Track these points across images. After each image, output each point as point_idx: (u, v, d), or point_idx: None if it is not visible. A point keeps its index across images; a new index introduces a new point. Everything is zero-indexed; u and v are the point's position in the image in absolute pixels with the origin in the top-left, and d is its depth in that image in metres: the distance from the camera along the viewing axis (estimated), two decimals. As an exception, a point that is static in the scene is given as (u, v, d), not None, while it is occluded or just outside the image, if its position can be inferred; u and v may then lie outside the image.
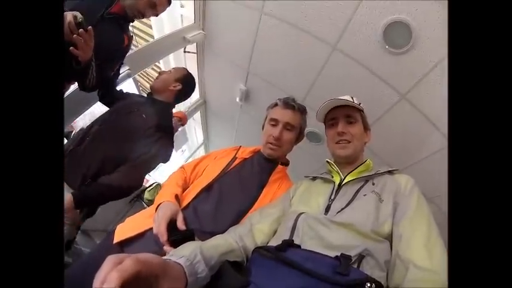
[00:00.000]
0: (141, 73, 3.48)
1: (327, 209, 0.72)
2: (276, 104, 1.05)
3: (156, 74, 1.44)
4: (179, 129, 2.70)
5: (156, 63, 2.99)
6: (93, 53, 1.09)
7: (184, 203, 0.90)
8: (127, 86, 2.25)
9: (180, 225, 0.79)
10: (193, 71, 2.85)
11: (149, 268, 0.39)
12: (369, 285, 0.50)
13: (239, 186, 0.96)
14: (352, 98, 0.89)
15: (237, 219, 0.88)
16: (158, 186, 2.94)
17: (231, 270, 0.58)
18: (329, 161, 0.88)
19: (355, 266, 0.56)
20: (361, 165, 0.82)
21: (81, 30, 0.99)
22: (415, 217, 0.64)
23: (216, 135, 4.43)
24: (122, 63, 1.47)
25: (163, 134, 1.26)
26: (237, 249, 0.70)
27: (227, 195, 0.93)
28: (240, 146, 1.13)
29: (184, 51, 2.80)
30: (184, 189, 0.98)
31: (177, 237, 0.72)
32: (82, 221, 1.23)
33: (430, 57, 1.71)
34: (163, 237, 0.74)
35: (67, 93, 1.53)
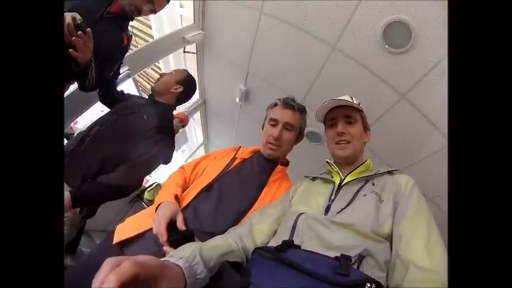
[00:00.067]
0: (140, 73, 3.48)
1: (327, 210, 0.72)
2: (275, 104, 1.05)
3: (156, 74, 1.45)
4: (180, 130, 2.70)
5: (156, 64, 2.98)
6: (92, 54, 1.09)
7: (184, 203, 0.90)
8: (127, 86, 2.26)
9: (180, 225, 0.78)
10: (193, 71, 2.85)
11: (147, 270, 0.39)
12: (369, 285, 0.50)
13: (239, 186, 0.96)
14: (351, 98, 0.89)
15: (236, 220, 0.88)
16: (158, 186, 2.95)
17: (230, 270, 0.58)
18: (329, 161, 0.88)
19: (355, 266, 0.56)
20: (361, 165, 0.82)
21: (80, 32, 0.98)
22: (415, 217, 0.64)
23: (215, 135, 4.43)
24: (122, 63, 1.46)
25: (164, 136, 1.26)
26: (237, 250, 0.70)
27: (227, 196, 0.93)
28: (240, 146, 1.13)
29: (184, 52, 2.80)
30: (184, 190, 0.97)
31: (176, 238, 0.72)
32: (83, 222, 1.22)
33: (430, 57, 1.71)
34: (163, 237, 0.74)
35: (67, 93, 1.53)
